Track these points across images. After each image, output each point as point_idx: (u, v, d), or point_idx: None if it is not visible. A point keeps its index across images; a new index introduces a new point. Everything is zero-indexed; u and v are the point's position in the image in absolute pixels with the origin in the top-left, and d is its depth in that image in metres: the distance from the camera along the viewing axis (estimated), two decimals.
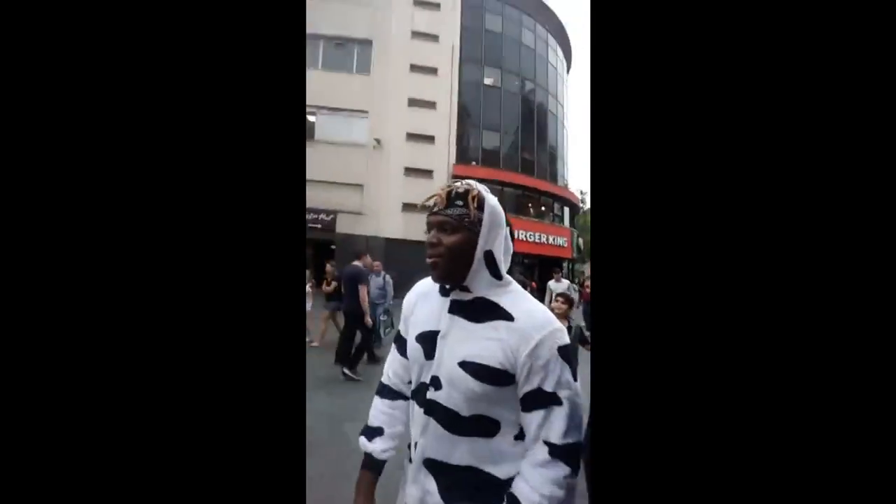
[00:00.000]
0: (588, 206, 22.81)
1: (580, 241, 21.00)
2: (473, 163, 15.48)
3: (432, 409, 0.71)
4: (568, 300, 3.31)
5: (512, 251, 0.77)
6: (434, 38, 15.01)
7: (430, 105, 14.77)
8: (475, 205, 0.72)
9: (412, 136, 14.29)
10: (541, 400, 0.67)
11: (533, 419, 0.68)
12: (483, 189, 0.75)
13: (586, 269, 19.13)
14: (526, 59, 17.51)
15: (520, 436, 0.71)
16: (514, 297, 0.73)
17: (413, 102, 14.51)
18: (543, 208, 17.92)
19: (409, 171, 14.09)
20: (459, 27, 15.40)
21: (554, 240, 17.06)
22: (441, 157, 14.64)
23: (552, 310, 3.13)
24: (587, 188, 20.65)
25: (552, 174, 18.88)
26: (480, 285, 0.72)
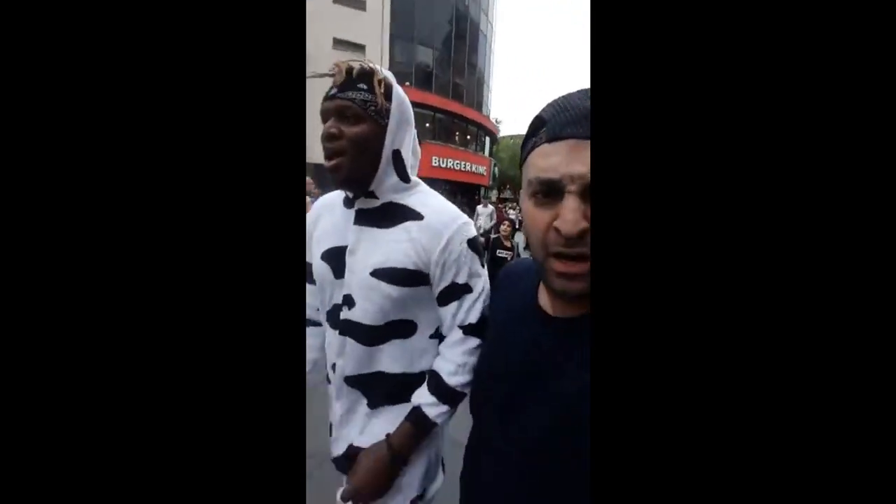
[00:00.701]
0: (501, 134, 23.77)
1: (496, 169, 22.39)
2: (407, 83, 14.73)
3: (348, 328, 0.69)
4: (512, 224, 4.07)
5: (419, 159, 0.74)
6: None
7: (360, 4, 13.10)
8: (382, 91, 0.64)
9: (339, 43, 12.79)
10: (455, 292, 0.68)
11: (448, 311, 0.69)
12: (389, 75, 0.67)
13: (493, 194, 20.76)
14: None
15: (435, 334, 0.73)
16: (421, 196, 0.71)
17: (340, 1, 12.68)
18: (469, 136, 18.38)
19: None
20: None
21: (475, 168, 18.00)
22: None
23: (500, 234, 4.04)
24: (501, 115, 21.34)
25: (478, 102, 19.03)
26: (387, 190, 0.68)
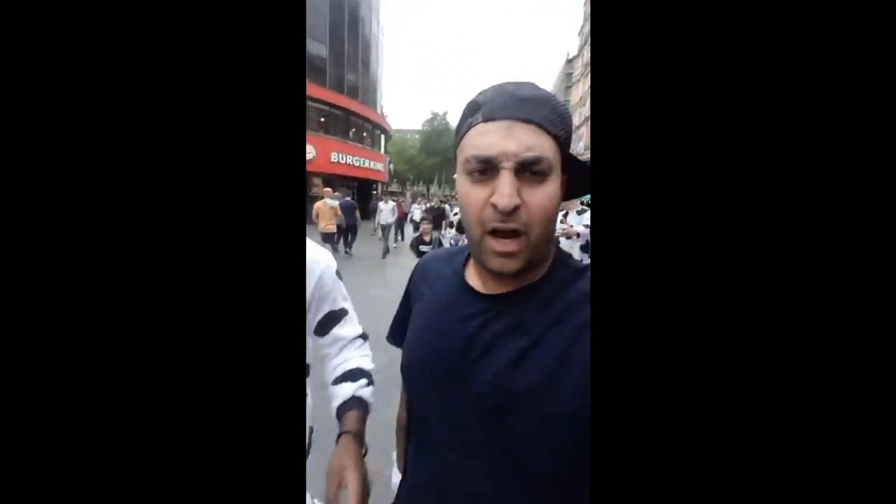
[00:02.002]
0: (393, 129, 24.64)
1: (392, 166, 23.24)
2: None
3: None
4: (433, 220, 4.42)
5: None
6: None
7: None
8: None
9: None
10: (333, 318, 0.77)
11: (330, 336, 0.78)
12: None
13: (409, 190, 21.64)
14: None
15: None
16: None
17: None
18: (364, 133, 18.84)
19: None
20: None
21: (373, 164, 18.62)
22: None
23: (422, 231, 4.29)
24: (389, 112, 22.36)
25: (372, 100, 19.60)
26: None
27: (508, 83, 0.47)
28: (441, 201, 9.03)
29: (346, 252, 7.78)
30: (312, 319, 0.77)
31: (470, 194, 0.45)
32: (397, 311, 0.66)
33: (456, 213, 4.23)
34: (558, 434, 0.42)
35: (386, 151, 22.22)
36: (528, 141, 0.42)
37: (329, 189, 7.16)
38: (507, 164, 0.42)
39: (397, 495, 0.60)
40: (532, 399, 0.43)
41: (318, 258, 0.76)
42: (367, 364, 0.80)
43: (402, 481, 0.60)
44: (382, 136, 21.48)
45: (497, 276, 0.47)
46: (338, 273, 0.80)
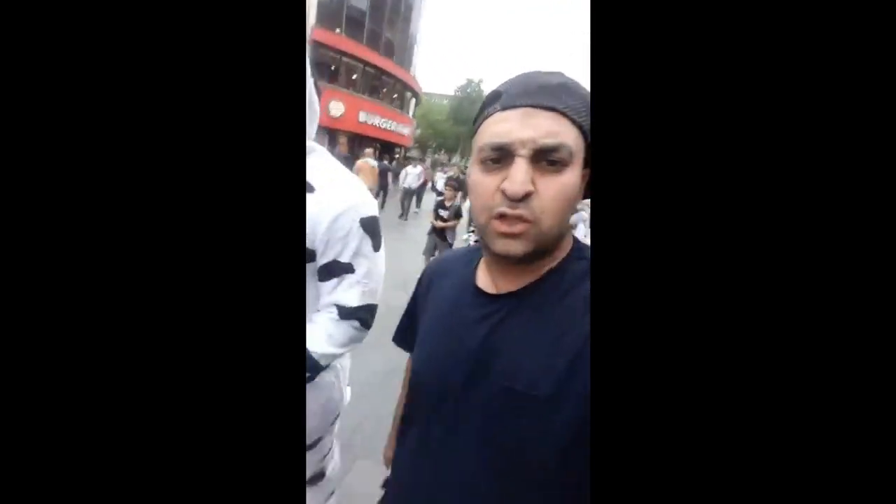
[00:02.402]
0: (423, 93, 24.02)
1: (418, 131, 22.89)
2: (337, 30, 14.17)
3: None
4: (454, 188, 4.24)
5: (318, 114, 0.71)
6: None
7: None
8: None
9: None
10: (335, 270, 0.66)
11: (325, 288, 0.66)
12: None
13: (429, 158, 21.53)
14: None
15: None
16: (317, 165, 0.67)
17: None
18: (395, 95, 18.47)
19: None
20: None
21: (400, 128, 18.38)
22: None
23: (445, 196, 4.21)
24: (422, 73, 21.75)
25: (408, 61, 19.04)
26: None
27: (532, 72, 0.46)
28: (462, 172, 8.99)
29: (404, 218, 8.27)
30: (318, 262, 0.67)
31: (481, 182, 0.44)
32: (404, 314, 0.64)
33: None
34: (568, 436, 0.41)
35: (414, 115, 21.80)
36: (548, 127, 0.41)
37: (370, 150, 7.27)
38: (523, 152, 0.41)
39: (385, 494, 0.59)
40: (546, 401, 0.42)
41: (344, 197, 0.66)
42: (320, 346, 0.66)
43: (391, 479, 0.58)
44: (413, 99, 21.02)
45: (506, 267, 0.47)
46: (367, 222, 0.68)
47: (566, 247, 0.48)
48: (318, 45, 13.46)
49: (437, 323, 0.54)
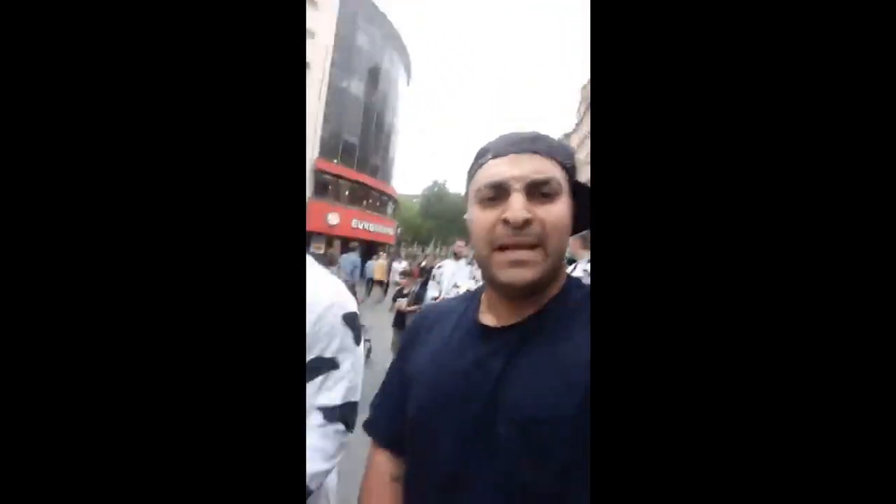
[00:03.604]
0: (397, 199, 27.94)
1: (399, 230, 26.27)
2: (335, 160, 17.81)
3: None
4: (407, 275, 4.68)
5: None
6: (311, 34, 16.12)
7: None
8: None
9: None
10: (321, 366, 0.66)
11: (311, 387, 0.66)
12: None
13: (403, 250, 24.47)
14: (377, 73, 20.64)
15: None
16: None
17: None
18: (378, 203, 21.97)
19: None
20: (335, 31, 17.02)
21: (385, 229, 21.56)
22: (306, 150, 16.25)
23: (401, 284, 4.59)
24: (396, 180, 25.82)
25: (388, 176, 23.11)
26: None
27: (513, 132, 0.51)
28: (433, 258, 9.38)
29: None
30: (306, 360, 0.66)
31: (482, 218, 0.46)
32: (383, 393, 0.60)
33: (440, 267, 4.37)
34: (586, 467, 0.38)
35: (393, 217, 25.29)
36: (536, 166, 0.45)
37: (384, 254, 9.16)
38: (517, 186, 0.44)
39: None
40: (567, 431, 0.41)
41: (325, 296, 0.67)
42: (314, 464, 0.63)
43: None
44: (390, 204, 24.66)
45: (510, 301, 0.48)
46: (348, 318, 0.69)
47: (562, 278, 0.51)
48: (319, 171, 16.85)
49: (440, 371, 0.51)
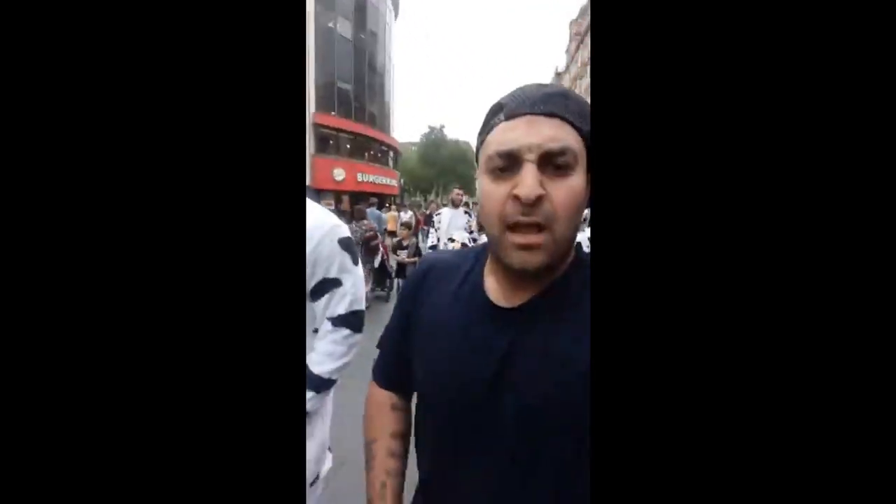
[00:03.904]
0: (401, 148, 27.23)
1: (402, 180, 25.88)
2: (332, 113, 17.08)
3: None
4: (408, 227, 4.79)
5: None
6: None
7: None
8: None
9: None
10: (325, 286, 0.75)
11: (319, 305, 0.75)
12: None
13: (407, 200, 24.42)
14: (363, 9, 19.12)
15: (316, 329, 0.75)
16: None
17: None
18: (380, 155, 21.44)
19: None
20: None
21: (389, 181, 21.25)
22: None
23: (399, 236, 4.71)
24: (396, 129, 24.99)
25: (387, 126, 22.26)
26: None
27: (529, 84, 0.46)
28: (436, 206, 9.33)
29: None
30: (308, 283, 0.75)
31: (491, 191, 0.44)
32: (386, 353, 0.61)
33: (438, 214, 4.35)
34: (583, 453, 0.40)
35: (396, 168, 24.79)
36: (552, 133, 0.42)
37: (393, 206, 9.28)
38: (530, 157, 0.41)
39: None
40: (567, 418, 0.42)
41: (321, 223, 0.74)
42: (324, 365, 0.74)
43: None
44: (391, 154, 24.06)
45: (519, 279, 0.47)
46: (343, 242, 0.77)
47: (570, 255, 0.48)
48: (318, 126, 16.26)
49: (446, 344, 0.51)
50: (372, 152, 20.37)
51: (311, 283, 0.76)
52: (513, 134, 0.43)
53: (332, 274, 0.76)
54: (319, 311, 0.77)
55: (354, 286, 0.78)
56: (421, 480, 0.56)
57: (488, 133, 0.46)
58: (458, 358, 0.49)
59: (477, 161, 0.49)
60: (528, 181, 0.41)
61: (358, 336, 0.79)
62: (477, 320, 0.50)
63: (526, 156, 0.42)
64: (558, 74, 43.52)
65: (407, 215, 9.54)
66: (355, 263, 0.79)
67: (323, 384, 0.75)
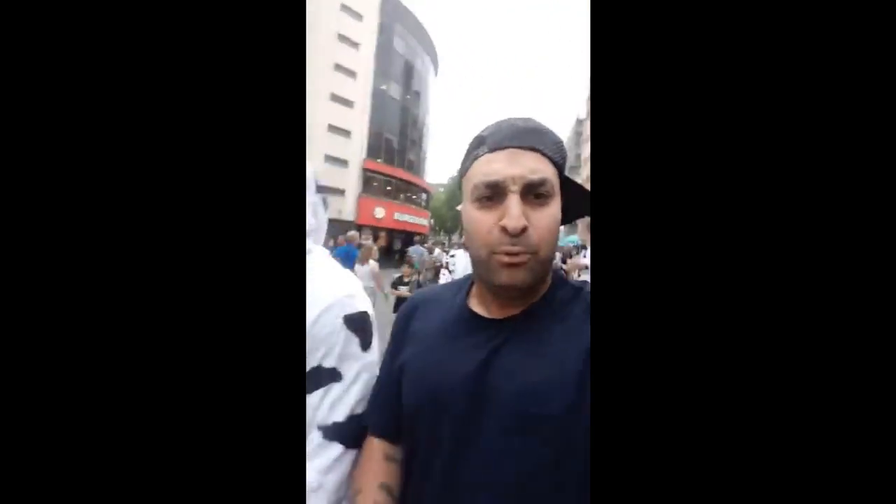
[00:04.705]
0: (433, 191, 29.67)
1: (432, 220, 28.16)
2: (379, 160, 19.64)
3: None
4: (410, 265, 4.75)
5: (326, 226, 0.70)
6: (355, 44, 17.82)
7: (349, 104, 17.81)
8: None
9: (332, 129, 17.14)
10: (321, 378, 0.55)
11: (310, 402, 0.54)
12: None
13: (431, 239, 26.40)
14: (411, 73, 22.25)
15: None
16: (310, 266, 0.59)
17: (335, 98, 17.21)
18: (414, 196, 23.82)
19: (329, 159, 17.03)
20: (376, 40, 18.67)
21: (421, 220, 23.44)
22: (355, 150, 18.16)
23: (403, 273, 4.53)
24: (430, 179, 27.42)
25: (422, 170, 24.90)
26: None
27: (511, 118, 0.50)
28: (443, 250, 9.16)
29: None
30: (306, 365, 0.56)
31: (477, 219, 0.46)
32: (378, 382, 0.57)
33: (451, 257, 4.45)
34: (580, 457, 0.40)
35: (427, 208, 27.11)
36: (532, 165, 0.45)
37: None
38: (514, 188, 0.44)
39: None
40: (556, 423, 0.42)
41: (326, 294, 0.56)
42: (320, 495, 0.53)
43: None
44: (424, 196, 26.46)
45: (503, 297, 0.48)
46: (353, 321, 0.56)
47: (549, 277, 0.51)
48: (366, 170, 18.73)
49: (430, 353, 0.51)
50: (408, 194, 22.74)
51: (307, 366, 0.54)
52: (497, 165, 0.46)
53: (330, 363, 0.54)
54: (310, 410, 0.54)
55: (358, 381, 0.56)
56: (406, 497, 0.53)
57: (472, 163, 0.49)
58: (441, 366, 0.49)
59: (460, 189, 0.52)
60: (514, 213, 0.43)
61: (354, 452, 0.56)
62: (461, 332, 0.51)
63: (510, 187, 0.45)
64: (579, 121, 46.13)
65: (421, 250, 9.09)
66: (365, 348, 0.58)
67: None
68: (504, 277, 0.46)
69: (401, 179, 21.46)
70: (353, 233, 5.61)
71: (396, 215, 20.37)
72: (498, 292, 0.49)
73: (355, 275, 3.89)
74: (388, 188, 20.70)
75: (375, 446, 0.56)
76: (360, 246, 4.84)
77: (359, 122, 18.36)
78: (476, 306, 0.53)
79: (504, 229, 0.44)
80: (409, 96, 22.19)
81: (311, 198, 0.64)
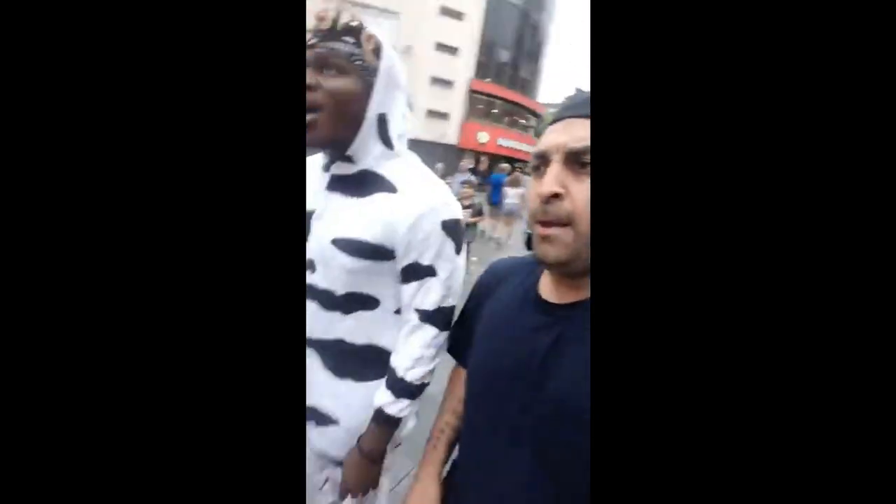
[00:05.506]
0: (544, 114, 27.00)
1: None
2: (488, 80, 18.41)
3: (310, 292, 0.68)
4: (471, 183, 4.51)
5: (409, 122, 0.69)
6: None
7: (458, 16, 16.45)
8: (371, 47, 0.61)
9: (440, 47, 16.28)
10: (417, 272, 0.64)
11: (407, 290, 0.66)
12: (378, 36, 0.63)
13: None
14: None
15: (400, 311, 0.69)
16: (403, 167, 0.66)
17: (444, 11, 16.03)
18: (524, 121, 22.18)
19: (434, 81, 16.51)
20: None
21: (525, 146, 21.99)
22: (462, 70, 17.18)
23: (460, 195, 4.19)
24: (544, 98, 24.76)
25: (535, 91, 22.66)
26: (367, 156, 0.64)
27: (579, 91, 0.49)
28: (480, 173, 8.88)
29: None
30: (399, 263, 0.65)
31: (530, 190, 0.47)
32: (456, 323, 0.66)
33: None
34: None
35: (536, 135, 25.18)
36: (580, 133, 0.43)
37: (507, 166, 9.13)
38: (556, 156, 0.43)
39: None
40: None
41: (424, 199, 0.63)
42: (415, 371, 0.66)
43: (445, 492, 0.59)
44: (532, 119, 24.45)
45: (559, 278, 0.49)
46: (449, 227, 0.64)
47: None
48: (472, 91, 17.83)
49: (495, 332, 0.54)
50: (516, 118, 21.25)
51: (400, 264, 0.64)
52: (550, 136, 0.45)
53: (427, 261, 0.64)
54: (406, 296, 0.66)
55: (450, 279, 0.66)
56: (454, 462, 0.60)
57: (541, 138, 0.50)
58: (503, 348, 0.51)
59: None
60: (546, 178, 0.43)
61: (445, 334, 0.68)
62: (526, 313, 0.52)
63: (553, 155, 0.44)
64: None
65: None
66: (457, 252, 0.67)
67: (415, 390, 0.67)
68: (540, 251, 0.45)
69: (511, 101, 19.97)
70: (463, 161, 6.16)
71: (500, 140, 19.48)
72: (549, 271, 0.49)
73: (506, 196, 5.74)
74: (496, 111, 19.59)
75: (459, 367, 0.67)
76: (510, 172, 6.61)
77: (468, 36, 17.03)
78: (545, 288, 0.52)
79: (540, 197, 0.44)
80: (531, 2, 19.39)
81: (401, 92, 0.68)
